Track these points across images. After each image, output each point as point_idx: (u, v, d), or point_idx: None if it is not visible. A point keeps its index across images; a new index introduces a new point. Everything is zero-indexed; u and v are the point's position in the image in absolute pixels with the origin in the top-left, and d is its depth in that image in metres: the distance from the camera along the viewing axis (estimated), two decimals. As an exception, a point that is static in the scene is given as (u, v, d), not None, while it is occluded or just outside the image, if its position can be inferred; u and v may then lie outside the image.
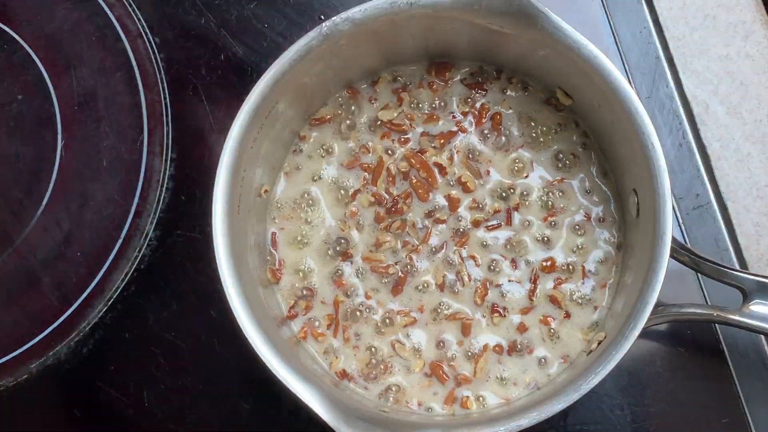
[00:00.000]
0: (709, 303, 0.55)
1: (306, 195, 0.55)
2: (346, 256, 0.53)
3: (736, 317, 0.47)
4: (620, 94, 0.46)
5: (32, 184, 0.59)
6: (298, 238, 0.54)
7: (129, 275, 0.57)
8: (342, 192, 0.54)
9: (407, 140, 0.54)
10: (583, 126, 0.54)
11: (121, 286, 0.57)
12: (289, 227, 0.54)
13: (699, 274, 0.54)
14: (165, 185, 0.58)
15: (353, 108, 0.55)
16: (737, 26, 0.58)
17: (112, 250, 0.57)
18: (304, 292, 0.53)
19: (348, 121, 0.55)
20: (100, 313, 0.57)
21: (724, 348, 0.54)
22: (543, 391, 0.50)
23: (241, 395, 0.56)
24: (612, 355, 0.44)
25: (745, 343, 0.53)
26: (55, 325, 0.56)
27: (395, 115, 0.54)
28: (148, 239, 0.58)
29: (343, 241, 0.54)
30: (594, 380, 0.43)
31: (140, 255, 0.57)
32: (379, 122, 0.55)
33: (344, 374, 0.52)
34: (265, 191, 0.53)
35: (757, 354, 0.54)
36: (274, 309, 0.52)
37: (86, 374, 0.57)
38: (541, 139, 0.54)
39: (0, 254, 0.58)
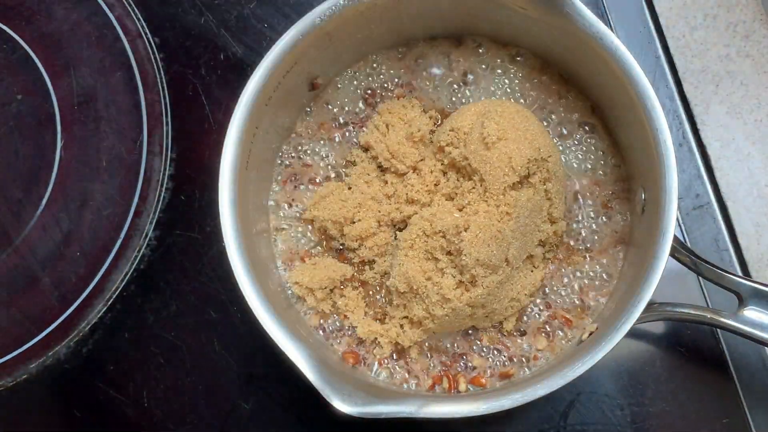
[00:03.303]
0: (709, 305, 0.55)
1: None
2: None
3: (729, 321, 0.47)
4: (638, 88, 0.46)
5: (32, 184, 0.59)
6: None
7: (128, 275, 0.57)
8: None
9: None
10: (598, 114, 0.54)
11: (121, 286, 0.57)
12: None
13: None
14: (165, 185, 0.58)
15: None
16: (737, 26, 0.58)
17: (112, 249, 0.57)
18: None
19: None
20: (100, 313, 0.57)
21: (724, 348, 0.54)
22: (528, 377, 0.50)
23: (241, 395, 0.56)
24: (601, 346, 0.44)
25: (745, 344, 0.53)
26: (55, 325, 0.56)
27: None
28: (147, 239, 0.57)
29: None
30: (580, 369, 0.43)
31: (140, 255, 0.57)
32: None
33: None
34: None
35: (757, 354, 0.54)
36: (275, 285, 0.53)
37: (86, 374, 0.57)
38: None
39: (-1, 254, 0.58)
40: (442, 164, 0.52)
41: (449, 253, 0.48)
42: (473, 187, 0.49)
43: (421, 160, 0.53)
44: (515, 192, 0.48)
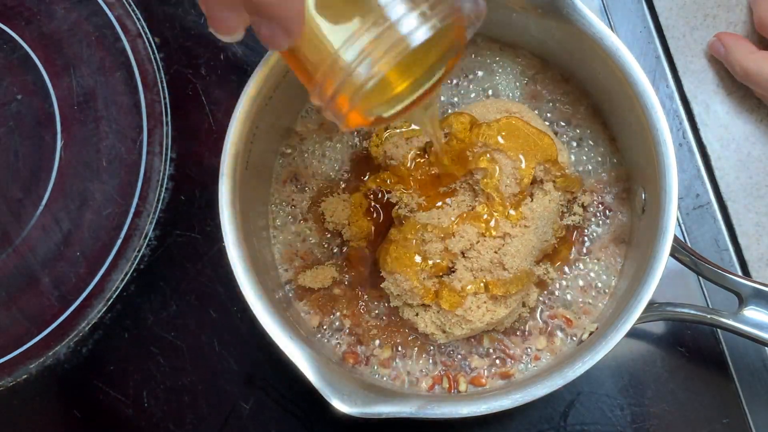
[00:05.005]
0: (709, 305, 0.55)
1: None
2: None
3: (729, 321, 0.47)
4: (638, 88, 0.46)
5: (31, 184, 0.59)
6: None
7: (128, 275, 0.57)
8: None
9: None
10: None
11: (121, 286, 0.57)
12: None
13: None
14: (164, 185, 0.58)
15: None
16: (737, 26, 0.58)
17: (112, 249, 0.57)
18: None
19: None
20: (100, 313, 0.57)
21: (724, 348, 0.54)
22: (528, 377, 0.50)
23: (241, 395, 0.56)
24: (602, 345, 0.44)
25: (745, 344, 0.53)
26: (55, 325, 0.56)
27: None
28: (147, 239, 0.58)
29: None
30: (580, 369, 0.43)
31: (140, 255, 0.57)
32: None
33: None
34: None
35: (757, 354, 0.54)
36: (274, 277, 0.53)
37: (85, 374, 0.57)
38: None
39: (-1, 254, 0.58)
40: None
41: (475, 268, 0.48)
42: (477, 197, 0.49)
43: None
44: (529, 203, 0.48)
